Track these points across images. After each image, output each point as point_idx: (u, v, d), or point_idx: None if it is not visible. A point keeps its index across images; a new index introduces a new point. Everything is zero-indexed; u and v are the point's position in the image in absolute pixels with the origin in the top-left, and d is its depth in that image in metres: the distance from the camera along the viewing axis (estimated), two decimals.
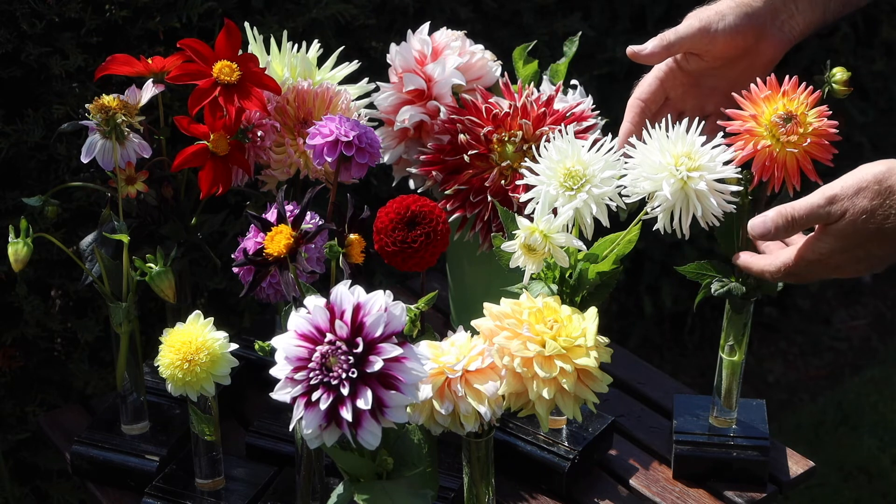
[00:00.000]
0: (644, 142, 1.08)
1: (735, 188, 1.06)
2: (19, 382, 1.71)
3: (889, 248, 1.04)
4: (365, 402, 0.90)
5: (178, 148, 1.23)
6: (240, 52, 1.24)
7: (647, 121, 1.15)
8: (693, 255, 2.38)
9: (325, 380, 0.91)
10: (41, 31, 1.52)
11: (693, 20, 1.19)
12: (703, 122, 1.16)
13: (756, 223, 1.07)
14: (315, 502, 1.20)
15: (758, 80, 1.15)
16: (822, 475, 2.31)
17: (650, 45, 1.19)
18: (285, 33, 1.33)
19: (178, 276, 1.25)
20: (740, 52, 1.19)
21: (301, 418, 0.92)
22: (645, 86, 1.24)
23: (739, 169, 1.09)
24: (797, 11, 1.19)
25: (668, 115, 1.10)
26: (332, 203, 1.13)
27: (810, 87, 1.14)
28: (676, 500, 1.31)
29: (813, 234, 1.07)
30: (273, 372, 0.93)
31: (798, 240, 1.11)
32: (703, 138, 1.07)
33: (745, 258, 1.14)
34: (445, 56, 1.33)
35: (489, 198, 1.28)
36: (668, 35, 1.19)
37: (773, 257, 1.11)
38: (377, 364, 0.91)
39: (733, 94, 1.16)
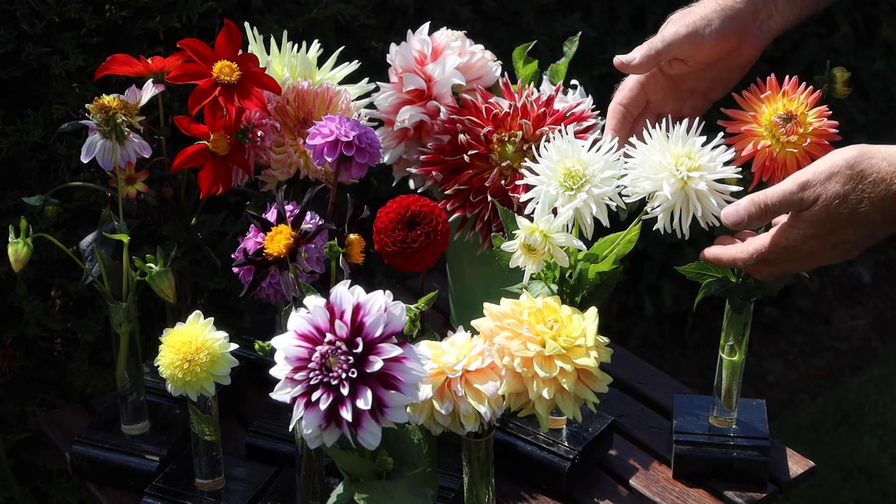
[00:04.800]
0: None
1: (735, 188, 1.06)
2: (19, 382, 1.71)
3: (862, 232, 1.03)
4: (365, 402, 0.90)
5: (178, 148, 1.23)
6: (240, 52, 1.24)
7: (647, 121, 1.15)
8: (693, 255, 2.37)
9: (325, 380, 0.91)
10: (41, 31, 1.52)
11: (679, 27, 1.17)
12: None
13: (729, 211, 1.06)
14: (315, 502, 1.20)
15: (758, 79, 1.15)
16: (822, 475, 2.31)
17: (638, 54, 1.18)
18: (285, 33, 1.33)
19: (178, 276, 1.26)
20: (723, 56, 1.19)
21: (301, 418, 0.92)
22: (626, 91, 1.23)
23: (739, 169, 1.09)
24: (776, 11, 1.19)
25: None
26: (332, 203, 1.13)
27: (810, 87, 1.14)
28: (676, 500, 1.30)
29: (786, 220, 1.06)
30: (273, 372, 0.93)
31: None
32: (703, 138, 1.07)
33: (714, 250, 1.11)
34: (445, 56, 1.33)
35: (489, 198, 1.28)
36: (656, 43, 1.18)
37: (744, 244, 1.09)
38: (377, 364, 0.90)
39: (733, 94, 1.16)
